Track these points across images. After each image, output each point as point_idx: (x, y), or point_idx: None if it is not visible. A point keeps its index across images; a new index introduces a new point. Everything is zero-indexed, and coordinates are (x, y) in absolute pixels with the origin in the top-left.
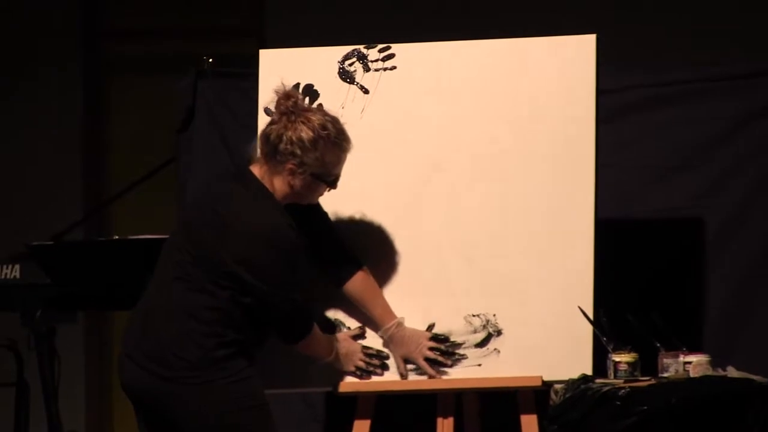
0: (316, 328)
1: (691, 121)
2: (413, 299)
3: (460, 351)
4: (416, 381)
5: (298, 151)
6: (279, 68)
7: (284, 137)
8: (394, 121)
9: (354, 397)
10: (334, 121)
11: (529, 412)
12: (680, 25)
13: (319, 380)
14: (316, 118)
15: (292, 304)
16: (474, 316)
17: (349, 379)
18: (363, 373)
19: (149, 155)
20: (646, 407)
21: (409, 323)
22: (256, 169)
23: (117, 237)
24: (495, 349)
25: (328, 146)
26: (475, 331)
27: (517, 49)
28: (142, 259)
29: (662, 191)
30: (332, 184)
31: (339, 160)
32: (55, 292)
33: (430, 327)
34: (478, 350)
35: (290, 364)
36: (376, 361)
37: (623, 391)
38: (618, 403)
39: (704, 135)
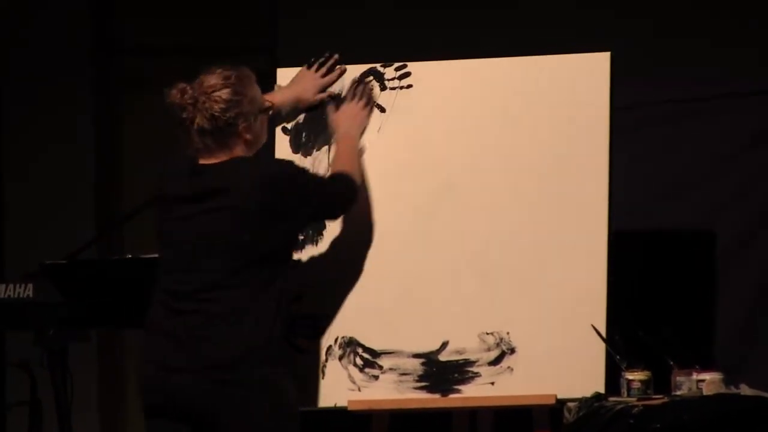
0: (353, 162)
1: (705, 137)
2: (427, 317)
3: (474, 369)
4: (431, 399)
5: (235, 109)
6: None
7: (215, 114)
8: (411, 139)
9: (368, 416)
10: (224, 68)
11: (543, 430)
12: (695, 42)
13: (330, 398)
14: (215, 80)
15: (330, 186)
16: (488, 334)
17: (362, 396)
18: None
19: None
20: (659, 425)
21: (422, 341)
22: (211, 160)
23: (130, 256)
24: (508, 367)
25: (245, 82)
26: (488, 349)
27: (531, 67)
28: (154, 278)
29: (675, 207)
30: (270, 110)
31: (257, 87)
32: (68, 311)
33: (445, 344)
34: (492, 368)
35: (299, 383)
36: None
37: (636, 409)
38: (631, 421)
39: (719, 150)
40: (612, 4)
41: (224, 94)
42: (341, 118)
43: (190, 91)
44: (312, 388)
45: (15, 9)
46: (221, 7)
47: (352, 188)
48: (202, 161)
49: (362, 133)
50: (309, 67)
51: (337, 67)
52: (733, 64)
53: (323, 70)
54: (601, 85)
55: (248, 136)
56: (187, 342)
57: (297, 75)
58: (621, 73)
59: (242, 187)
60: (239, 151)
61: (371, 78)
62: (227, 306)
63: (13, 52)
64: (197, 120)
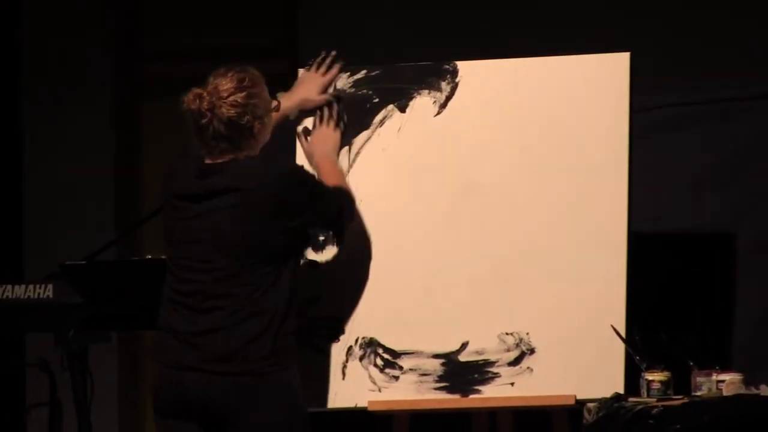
0: (342, 177)
1: (723, 139)
2: (447, 317)
3: (494, 369)
4: (451, 399)
5: (252, 112)
6: None
7: (232, 118)
8: (429, 140)
9: (388, 416)
10: (235, 70)
11: (562, 431)
12: (713, 44)
13: (351, 399)
14: (229, 84)
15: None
16: (507, 334)
17: (382, 397)
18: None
19: None
20: (679, 426)
21: (442, 341)
22: (218, 159)
23: (150, 257)
24: (528, 367)
25: (257, 83)
26: (508, 350)
27: (550, 68)
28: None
29: (695, 208)
30: (277, 108)
31: (266, 86)
32: (88, 312)
33: (465, 345)
34: (511, 369)
35: (319, 383)
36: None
37: (656, 409)
38: (651, 421)
39: (737, 152)
40: (631, 6)
41: (240, 98)
42: (315, 143)
43: (207, 97)
44: (333, 389)
45: (37, 13)
46: (241, 10)
47: (351, 201)
48: (209, 161)
49: (338, 152)
50: (309, 69)
51: (336, 64)
52: (756, 66)
53: (323, 68)
54: (620, 84)
55: (260, 137)
56: (197, 339)
57: (299, 78)
58: (641, 75)
59: (252, 185)
60: (248, 150)
61: (337, 96)
62: (237, 303)
63: (35, 56)
64: (214, 125)
